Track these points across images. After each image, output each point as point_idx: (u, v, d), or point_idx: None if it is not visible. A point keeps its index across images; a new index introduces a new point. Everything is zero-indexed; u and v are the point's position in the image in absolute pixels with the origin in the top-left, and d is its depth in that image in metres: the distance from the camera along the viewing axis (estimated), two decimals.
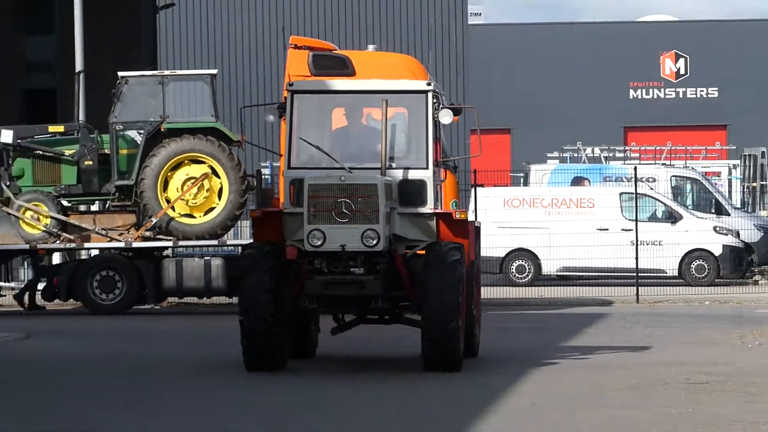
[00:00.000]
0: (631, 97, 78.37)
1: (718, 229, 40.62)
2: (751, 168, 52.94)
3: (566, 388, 13.68)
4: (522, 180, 48.13)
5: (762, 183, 51.06)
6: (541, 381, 14.54)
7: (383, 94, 14.36)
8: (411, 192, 13.97)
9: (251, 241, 16.05)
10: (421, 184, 14.00)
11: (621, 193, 40.31)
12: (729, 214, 42.66)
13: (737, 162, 54.55)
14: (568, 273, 39.72)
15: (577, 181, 44.91)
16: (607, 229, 38.43)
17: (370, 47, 35.32)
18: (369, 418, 10.13)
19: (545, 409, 11.26)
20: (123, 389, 13.17)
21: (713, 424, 11.13)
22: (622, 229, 38.23)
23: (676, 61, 78.86)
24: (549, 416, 10.66)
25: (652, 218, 40.07)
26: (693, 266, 39.36)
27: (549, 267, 38.66)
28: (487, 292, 30.20)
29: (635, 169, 41.09)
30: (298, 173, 13.55)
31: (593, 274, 39.20)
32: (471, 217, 23.96)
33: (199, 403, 11.21)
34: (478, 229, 16.54)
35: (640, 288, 34.40)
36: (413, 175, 13.97)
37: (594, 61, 78.06)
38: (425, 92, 14.48)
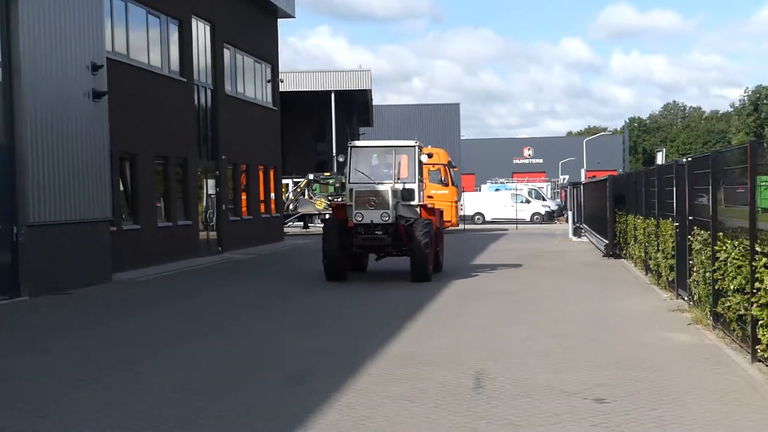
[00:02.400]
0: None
1: (542, 205, 71.38)
2: (557, 185, 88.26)
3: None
4: (479, 189, 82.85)
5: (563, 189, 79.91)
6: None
7: (395, 148, 24.72)
8: (407, 194, 23.32)
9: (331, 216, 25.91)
10: (412, 190, 23.47)
11: (511, 193, 70.21)
12: (545, 200, 74.75)
13: (549, 184, 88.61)
14: (495, 220, 67.39)
15: (495, 190, 78.16)
16: (505, 206, 67.35)
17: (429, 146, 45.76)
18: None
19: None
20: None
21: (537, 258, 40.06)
22: (511, 205, 65.14)
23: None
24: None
25: (521, 202, 68.00)
26: (535, 218, 68.60)
27: (488, 218, 67.64)
28: (465, 229, 60.19)
29: (516, 186, 75.66)
30: (353, 186, 23.03)
31: (502, 219, 66.33)
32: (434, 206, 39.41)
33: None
34: (441, 212, 26.63)
35: (518, 225, 59.89)
36: (408, 186, 23.36)
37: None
38: (414, 146, 24.19)
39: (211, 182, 36.08)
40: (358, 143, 23.50)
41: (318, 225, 53.06)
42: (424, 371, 11.59)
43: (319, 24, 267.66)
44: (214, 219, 35.92)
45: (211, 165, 35.99)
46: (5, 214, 20.55)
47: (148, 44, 30.80)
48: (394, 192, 22.11)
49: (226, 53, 37.89)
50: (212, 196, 36.12)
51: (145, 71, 30.02)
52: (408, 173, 23.17)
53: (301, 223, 55.78)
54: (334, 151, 60.11)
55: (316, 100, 62.40)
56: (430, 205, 23.08)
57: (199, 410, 9.86)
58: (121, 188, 28.37)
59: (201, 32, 35.36)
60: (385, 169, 23.78)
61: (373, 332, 14.83)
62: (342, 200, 22.62)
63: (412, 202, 22.63)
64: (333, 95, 61.39)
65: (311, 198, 54.74)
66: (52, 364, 12.81)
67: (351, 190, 22.81)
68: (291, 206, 54.78)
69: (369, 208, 21.79)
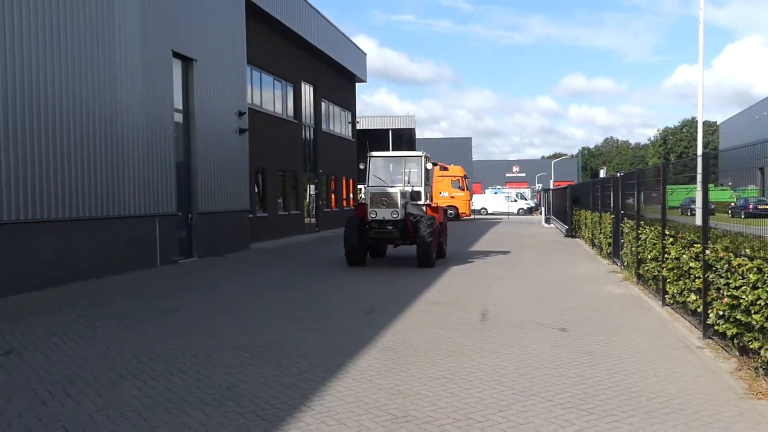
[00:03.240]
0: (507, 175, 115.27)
1: (525, 203, 68.24)
2: (534, 190, 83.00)
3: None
4: (484, 192, 77.37)
5: (538, 193, 72.81)
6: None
7: (405, 158, 20.03)
8: (415, 195, 19.02)
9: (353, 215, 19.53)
10: (419, 192, 19.05)
11: (504, 195, 68.94)
12: (526, 200, 70.90)
13: (529, 189, 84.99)
14: (494, 212, 64.69)
15: (494, 193, 73.87)
16: (501, 203, 65.55)
17: (451, 164, 50.69)
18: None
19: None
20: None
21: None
22: (505, 203, 65.28)
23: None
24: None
25: (511, 201, 66.86)
26: (520, 211, 65.90)
27: (490, 211, 64.97)
28: (474, 218, 58.92)
29: (507, 191, 73.93)
30: (371, 188, 18.75)
31: (499, 212, 63.97)
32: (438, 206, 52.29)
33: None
34: (445, 210, 22.17)
35: (509, 216, 59.08)
36: (416, 188, 19.08)
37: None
38: (421, 156, 19.73)
39: (312, 186, 36.40)
40: (375, 153, 19.64)
41: None
42: (446, 311, 11.61)
43: (381, 86, 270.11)
44: (314, 210, 36.35)
45: (312, 175, 36.33)
46: (184, 205, 20.86)
47: (273, 99, 31.16)
48: (403, 194, 18.47)
49: (323, 104, 38.22)
50: (313, 195, 36.41)
51: (271, 116, 30.47)
52: (416, 178, 19.41)
53: None
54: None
55: (379, 134, 63.03)
56: (434, 204, 19.52)
57: (305, 326, 9.95)
58: (256, 190, 28.43)
59: (307, 91, 35.66)
60: (397, 174, 19.73)
61: (411, 287, 14.73)
62: (363, 200, 18.96)
63: (419, 202, 18.94)
64: (390, 132, 62.11)
65: None
66: (211, 300, 12.98)
67: (368, 192, 18.95)
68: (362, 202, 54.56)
69: (382, 207, 18.20)
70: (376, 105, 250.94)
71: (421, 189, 19.13)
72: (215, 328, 10.16)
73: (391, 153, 19.85)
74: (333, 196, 40.38)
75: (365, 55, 46.08)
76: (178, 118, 20.65)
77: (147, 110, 18.47)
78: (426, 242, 17.77)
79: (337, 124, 41.99)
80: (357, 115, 47.10)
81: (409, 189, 18.87)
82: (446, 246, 21.29)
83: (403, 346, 8.79)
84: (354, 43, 43.20)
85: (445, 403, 6.40)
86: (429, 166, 19.89)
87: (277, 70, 30.91)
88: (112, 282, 15.70)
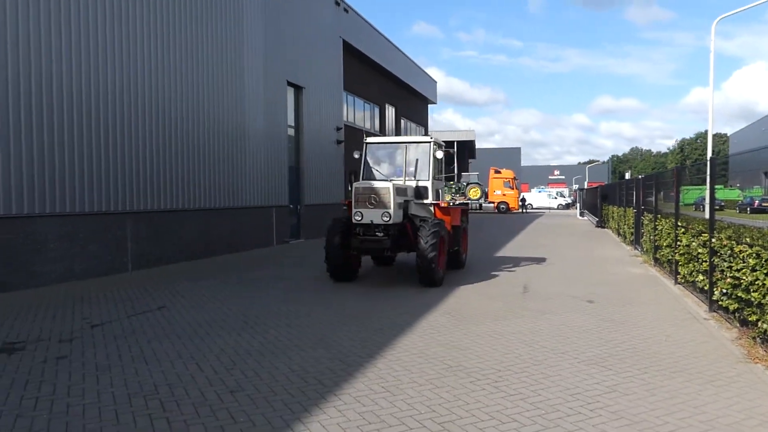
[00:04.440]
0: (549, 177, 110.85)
1: (564, 200, 65.23)
2: (572, 189, 76.55)
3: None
4: (530, 191, 70.19)
5: (574, 191, 66.61)
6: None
7: (408, 144, 12.18)
8: (420, 192, 11.77)
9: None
10: (425, 188, 11.79)
11: (547, 193, 66.66)
12: (564, 197, 67.77)
13: (567, 189, 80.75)
14: (539, 207, 61.36)
15: (539, 191, 70.13)
16: (544, 200, 63.45)
17: (504, 169, 53.62)
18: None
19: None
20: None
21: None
22: (547, 200, 63.35)
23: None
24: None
25: (552, 198, 64.63)
26: (559, 206, 62.97)
27: (535, 206, 61.10)
28: (522, 212, 54.47)
29: (549, 190, 69.65)
30: (356, 183, 11.14)
31: (543, 207, 61.26)
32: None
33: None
34: (463, 210, 13.21)
35: (550, 210, 57.23)
36: (421, 183, 11.83)
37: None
38: (429, 142, 12.09)
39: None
40: (371, 139, 12.85)
41: None
42: (493, 284, 11.33)
43: (447, 107, 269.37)
44: None
45: None
46: (295, 198, 21.13)
47: (363, 117, 30.98)
48: (400, 190, 11.41)
49: (402, 121, 37.87)
50: None
51: (360, 130, 30.43)
52: (422, 170, 12.25)
53: None
54: (455, 170, 60.00)
55: (446, 145, 62.36)
56: (445, 204, 12.26)
57: (385, 297, 9.83)
58: (349, 187, 28.41)
59: (390, 111, 35.42)
60: (399, 165, 12.73)
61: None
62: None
63: (425, 201, 12.07)
64: (455, 143, 61.17)
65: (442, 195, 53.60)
66: (317, 269, 12.92)
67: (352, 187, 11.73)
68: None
69: (369, 207, 11.17)
70: (443, 122, 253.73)
71: (428, 184, 11.90)
72: (318, 292, 10.24)
73: (390, 138, 12.74)
74: None
75: (436, 82, 45.50)
76: (291, 132, 20.85)
77: (267, 126, 18.78)
78: (426, 256, 10.52)
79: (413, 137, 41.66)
80: (428, 130, 46.35)
81: (411, 184, 11.85)
82: (466, 254, 13.78)
83: (459, 313, 8.65)
84: (427, 73, 42.83)
85: (490, 357, 6.26)
86: (439, 154, 12.19)
87: (366, 95, 30.78)
88: (240, 257, 16.00)
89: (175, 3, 14.51)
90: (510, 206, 49.59)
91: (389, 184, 10.90)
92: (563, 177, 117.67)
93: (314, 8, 22.54)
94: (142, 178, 13.38)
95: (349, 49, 26.72)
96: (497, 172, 50.90)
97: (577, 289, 10.68)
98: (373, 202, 10.86)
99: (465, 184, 51.75)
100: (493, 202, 49.49)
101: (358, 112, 30.24)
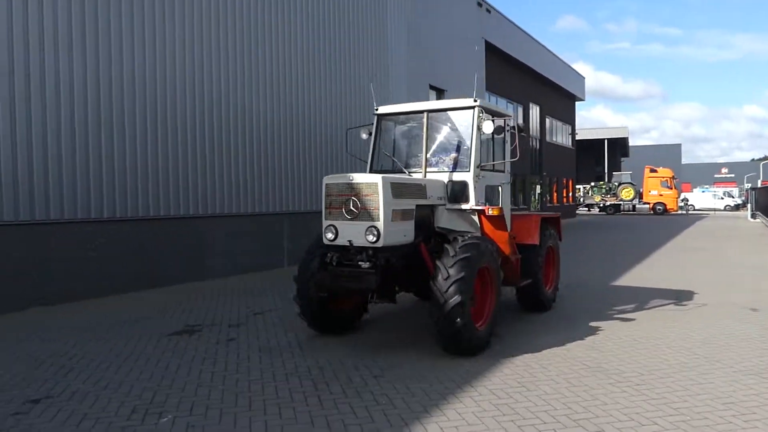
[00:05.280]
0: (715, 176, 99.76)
1: (732, 200, 57.74)
2: (742, 189, 63.26)
3: (678, 239, 22.89)
4: (693, 191, 57.80)
5: (746, 191, 50.80)
6: (671, 240, 22.76)
7: (435, 114, 7.27)
8: (456, 191, 6.97)
9: None
10: (463, 184, 6.94)
11: (712, 193, 59.88)
12: (732, 197, 59.48)
13: (737, 188, 68.21)
14: (702, 208, 55.00)
15: (702, 192, 63.12)
16: (708, 201, 57.65)
17: (660, 167, 54.18)
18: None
19: (670, 244, 20.10)
20: None
21: None
22: (711, 200, 57.24)
23: None
24: (671, 246, 17.68)
25: (718, 198, 57.67)
26: (726, 207, 55.54)
27: (697, 207, 55.70)
28: (685, 213, 49.56)
29: (714, 189, 61.98)
30: (328, 178, 6.23)
31: (706, 208, 54.55)
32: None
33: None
34: (547, 219, 8.54)
35: (715, 212, 50.60)
36: (458, 177, 6.95)
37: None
38: (472, 107, 7.10)
39: (537, 187, 35.09)
40: (385, 108, 7.65)
41: (590, 212, 49.89)
42: (648, 289, 10.68)
43: (597, 103, 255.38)
44: (539, 204, 35.10)
45: (536, 178, 34.93)
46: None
47: None
48: (402, 187, 6.24)
49: (548, 120, 36.95)
50: (539, 193, 35.14)
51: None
52: (460, 155, 7.12)
53: (587, 209, 51.66)
54: (605, 169, 57.12)
55: (596, 143, 59.52)
56: (496, 211, 6.93)
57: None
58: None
59: (534, 110, 34.74)
60: (430, 148, 7.26)
61: (625, 260, 13.64)
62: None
63: (463, 206, 6.98)
64: (606, 141, 58.24)
65: (591, 195, 51.00)
66: None
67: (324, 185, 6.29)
68: (582, 200, 51.51)
69: (346, 219, 6.08)
70: (593, 119, 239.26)
71: (469, 177, 7.04)
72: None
73: (412, 106, 7.59)
74: (555, 195, 38.73)
75: (584, 78, 43.69)
76: None
77: None
78: (443, 302, 5.78)
79: (559, 136, 39.92)
80: (575, 128, 44.59)
81: (440, 179, 7.08)
82: (552, 286, 8.65)
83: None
84: (573, 69, 41.27)
85: (632, 360, 6.03)
86: (488, 127, 6.78)
87: (508, 94, 30.38)
88: None
89: (323, 15, 15.40)
90: (667, 207, 46.27)
91: (378, 179, 6.00)
92: (732, 175, 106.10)
93: (456, 11, 22.77)
94: (295, 182, 14.37)
95: (491, 49, 26.65)
96: (653, 170, 47.78)
97: (741, 296, 9.78)
98: (352, 209, 6.06)
99: (616, 184, 49.47)
100: (649, 203, 46.81)
101: None
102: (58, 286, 9.17)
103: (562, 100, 39.86)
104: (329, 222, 6.24)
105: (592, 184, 52.57)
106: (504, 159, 7.81)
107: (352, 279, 6.08)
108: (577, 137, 46.18)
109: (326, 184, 6.25)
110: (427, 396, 4.92)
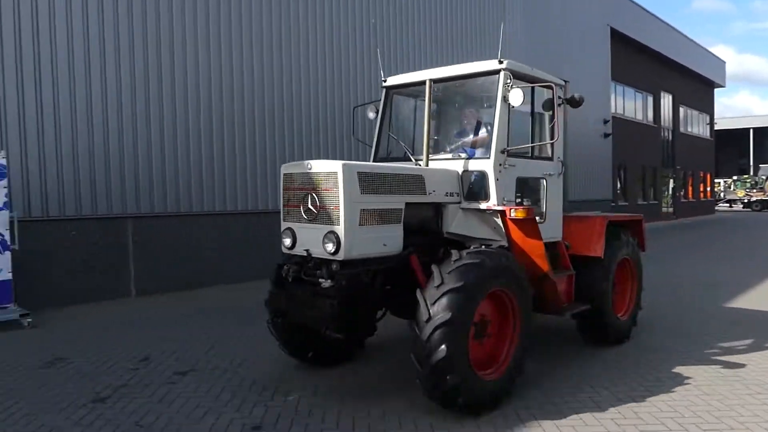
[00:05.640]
0: None
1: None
2: None
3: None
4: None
5: None
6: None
7: (456, 81, 5.23)
8: (473, 185, 4.92)
9: None
10: (482, 175, 4.83)
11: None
12: None
13: None
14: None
15: None
16: None
17: None
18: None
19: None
20: None
21: None
22: None
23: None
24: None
25: None
26: None
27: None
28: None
29: None
30: (286, 167, 4.56)
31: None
32: None
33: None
34: (627, 222, 6.71)
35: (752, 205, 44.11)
36: (476, 165, 4.87)
37: None
38: (498, 70, 4.87)
39: (670, 181, 32.82)
40: (394, 79, 5.47)
41: (732, 208, 45.75)
42: (689, 291, 9.66)
43: (741, 89, 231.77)
44: (671, 200, 32.77)
45: (668, 171, 32.66)
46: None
47: (634, 107, 29.08)
48: (372, 179, 4.16)
49: (681, 109, 34.40)
50: (672, 188, 32.84)
51: (632, 122, 28.63)
52: (480, 135, 4.99)
53: (728, 205, 47.43)
54: (750, 161, 52.15)
55: (739, 133, 54.38)
56: (523, 212, 4.52)
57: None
58: (618, 183, 26.80)
59: (666, 99, 32.51)
60: (450, 129, 5.47)
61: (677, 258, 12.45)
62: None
63: (481, 205, 4.71)
64: (751, 130, 53.00)
65: (733, 190, 46.73)
66: None
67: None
68: (722, 195, 47.45)
69: (303, 220, 4.21)
70: (735, 107, 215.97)
71: (489, 165, 4.76)
72: None
73: (423, 74, 5.21)
74: (690, 189, 36.02)
75: (724, 62, 39.87)
76: None
77: None
78: (425, 356, 3.85)
79: (695, 126, 37.06)
80: (714, 117, 41.04)
81: (453, 167, 4.94)
82: (628, 312, 6.28)
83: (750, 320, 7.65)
84: (711, 53, 37.82)
85: None
86: (517, 98, 4.57)
87: (637, 83, 28.67)
88: None
89: (442, 14, 15.41)
90: None
91: (338, 166, 4.17)
92: None
93: None
94: None
95: (617, 36, 25.30)
96: None
97: None
98: (310, 207, 4.34)
99: (764, 177, 45.06)
100: None
101: (628, 102, 28.47)
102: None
103: (698, 87, 36.82)
104: (286, 224, 4.53)
105: (735, 178, 48.67)
106: (549, 138, 5.26)
107: (305, 303, 4.37)
108: (717, 127, 43.03)
109: (284, 174, 4.55)
110: (544, 395, 4.75)
